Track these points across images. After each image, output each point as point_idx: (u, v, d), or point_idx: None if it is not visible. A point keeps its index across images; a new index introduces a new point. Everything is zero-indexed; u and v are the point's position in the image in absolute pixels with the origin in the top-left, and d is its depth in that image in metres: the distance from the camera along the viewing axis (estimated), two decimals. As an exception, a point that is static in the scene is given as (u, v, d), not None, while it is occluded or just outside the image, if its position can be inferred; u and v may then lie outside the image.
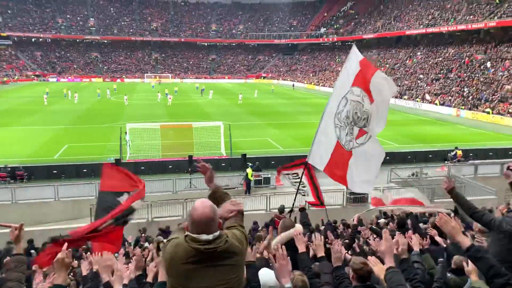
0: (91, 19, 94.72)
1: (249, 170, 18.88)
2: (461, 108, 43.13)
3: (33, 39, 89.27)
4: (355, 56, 7.09)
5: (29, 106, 44.05)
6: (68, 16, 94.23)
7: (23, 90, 61.30)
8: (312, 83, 76.88)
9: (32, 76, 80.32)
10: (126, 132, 25.09)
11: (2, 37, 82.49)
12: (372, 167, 7.04)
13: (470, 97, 44.64)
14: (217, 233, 2.52)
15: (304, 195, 7.92)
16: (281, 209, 11.27)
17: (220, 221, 2.67)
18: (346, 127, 6.91)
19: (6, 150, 24.74)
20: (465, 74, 49.87)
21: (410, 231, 6.70)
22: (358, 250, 6.38)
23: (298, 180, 7.60)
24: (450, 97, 47.11)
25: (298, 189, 7.59)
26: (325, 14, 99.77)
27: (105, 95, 53.76)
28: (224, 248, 2.52)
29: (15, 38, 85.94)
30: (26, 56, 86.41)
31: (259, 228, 11.52)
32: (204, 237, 2.47)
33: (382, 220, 11.34)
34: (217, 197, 3.11)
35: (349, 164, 6.94)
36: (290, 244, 4.41)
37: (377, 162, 7.06)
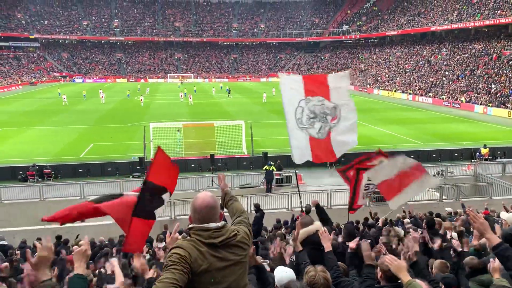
0: (115, 20, 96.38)
1: (266, 167, 18.85)
2: (488, 106, 41.95)
3: (59, 41, 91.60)
4: (289, 80, 8.47)
5: (56, 106, 45.19)
6: (93, 17, 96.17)
7: (50, 91, 62.85)
8: (334, 81, 76.09)
9: (59, 77, 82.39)
10: (178, 130, 25.67)
11: (30, 39, 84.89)
12: (353, 128, 8.19)
13: (498, 94, 43.40)
14: (222, 223, 2.53)
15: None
16: (308, 209, 10.93)
17: (222, 212, 2.68)
18: (315, 123, 8.19)
19: (35, 149, 25.42)
20: (492, 71, 48.48)
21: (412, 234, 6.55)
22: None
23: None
24: (476, 94, 45.91)
25: (299, 190, 9.06)
26: (348, 11, 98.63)
27: (131, 95, 54.54)
28: (238, 239, 2.51)
29: (43, 40, 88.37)
30: (53, 58, 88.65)
31: (280, 226, 11.46)
32: (213, 225, 2.46)
33: (406, 220, 11.16)
34: (225, 198, 3.29)
35: (331, 139, 8.15)
36: (309, 241, 4.42)
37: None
